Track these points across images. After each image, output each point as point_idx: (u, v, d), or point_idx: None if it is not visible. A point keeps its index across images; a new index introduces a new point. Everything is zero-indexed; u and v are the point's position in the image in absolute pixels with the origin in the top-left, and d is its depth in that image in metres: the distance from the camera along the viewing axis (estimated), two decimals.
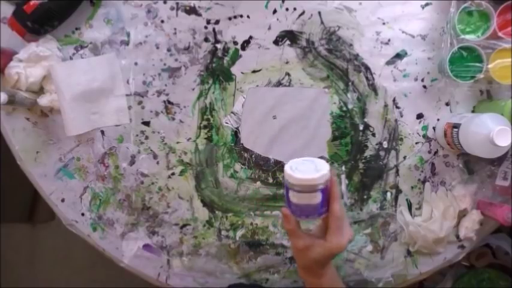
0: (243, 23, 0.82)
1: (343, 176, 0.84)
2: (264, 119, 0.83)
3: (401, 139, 0.84)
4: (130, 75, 0.83)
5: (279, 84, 0.83)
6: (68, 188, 0.85)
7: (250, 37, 0.82)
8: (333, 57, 0.82)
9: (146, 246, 0.86)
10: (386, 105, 0.83)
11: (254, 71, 0.83)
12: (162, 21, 0.82)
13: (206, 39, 0.82)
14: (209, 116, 0.84)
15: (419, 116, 0.83)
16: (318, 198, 0.58)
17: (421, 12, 0.81)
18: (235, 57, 0.82)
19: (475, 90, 0.81)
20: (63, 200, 0.86)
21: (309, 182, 0.56)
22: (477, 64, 0.76)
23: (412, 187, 0.84)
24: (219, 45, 0.82)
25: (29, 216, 1.55)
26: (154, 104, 0.83)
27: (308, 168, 0.58)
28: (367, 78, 0.82)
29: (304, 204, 0.59)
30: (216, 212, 0.85)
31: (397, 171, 0.84)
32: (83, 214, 0.86)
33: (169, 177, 0.85)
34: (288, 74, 0.83)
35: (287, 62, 0.82)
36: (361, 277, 0.86)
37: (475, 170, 0.84)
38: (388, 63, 0.82)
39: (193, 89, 0.83)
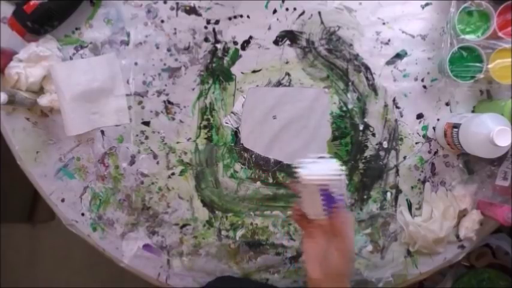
0: (243, 23, 0.82)
1: (343, 176, 0.84)
2: (264, 119, 0.83)
3: (401, 139, 0.84)
4: (130, 75, 0.83)
5: (279, 84, 0.83)
6: (68, 188, 0.85)
7: (250, 37, 0.82)
8: (333, 57, 0.82)
9: (146, 246, 0.86)
10: (386, 105, 0.83)
11: (254, 71, 0.83)
12: (162, 21, 0.82)
13: (206, 39, 0.82)
14: (209, 116, 0.84)
15: (419, 116, 0.83)
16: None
17: (421, 12, 0.81)
18: (235, 57, 0.82)
19: (475, 90, 0.81)
20: (63, 200, 0.86)
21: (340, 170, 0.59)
22: (477, 64, 0.76)
23: (412, 187, 0.84)
24: (219, 45, 0.82)
25: (29, 216, 1.54)
26: (154, 104, 0.83)
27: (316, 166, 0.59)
28: (367, 78, 0.82)
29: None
30: (216, 212, 0.85)
31: (397, 171, 0.84)
32: (83, 214, 0.86)
33: (169, 177, 0.85)
34: (288, 74, 0.83)
35: (287, 62, 0.82)
36: (361, 277, 0.86)
37: (475, 170, 0.84)
38: (388, 63, 0.82)
39: (193, 89, 0.83)
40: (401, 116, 0.83)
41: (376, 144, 0.84)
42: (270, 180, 0.84)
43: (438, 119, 0.83)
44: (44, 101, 0.80)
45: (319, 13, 0.81)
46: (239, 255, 0.87)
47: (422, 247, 0.84)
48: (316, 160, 0.60)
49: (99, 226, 0.86)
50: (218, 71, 0.83)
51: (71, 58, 0.82)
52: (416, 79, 0.82)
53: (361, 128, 0.83)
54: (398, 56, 0.82)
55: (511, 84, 0.76)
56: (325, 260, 0.60)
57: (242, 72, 0.83)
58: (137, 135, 0.84)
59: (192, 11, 0.82)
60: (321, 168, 0.58)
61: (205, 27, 0.82)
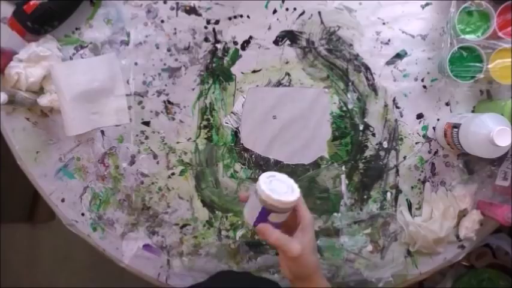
0: (243, 23, 0.82)
1: (343, 176, 0.84)
2: (264, 119, 0.83)
3: (401, 139, 0.84)
4: (130, 75, 0.83)
5: (279, 84, 0.83)
6: (68, 188, 0.85)
7: (250, 37, 0.82)
8: (333, 57, 0.82)
9: (146, 246, 0.86)
10: (386, 105, 0.83)
11: (254, 71, 0.83)
12: (162, 21, 0.82)
13: (206, 39, 0.82)
14: (209, 116, 0.84)
15: (419, 116, 0.83)
16: (286, 216, 0.60)
17: (421, 12, 0.81)
18: (235, 57, 0.82)
19: (475, 90, 0.81)
20: (63, 200, 0.86)
21: (292, 204, 0.58)
22: (477, 64, 0.76)
23: (412, 187, 0.84)
24: (219, 45, 0.82)
25: (29, 216, 1.54)
26: (154, 104, 0.83)
27: (281, 187, 0.58)
28: (367, 78, 0.82)
29: (280, 221, 0.60)
30: (216, 212, 0.85)
31: (397, 171, 0.84)
32: (83, 214, 0.86)
33: (169, 177, 0.85)
34: (288, 74, 0.83)
35: (287, 62, 0.82)
36: (361, 277, 0.86)
37: (475, 170, 0.84)
38: (388, 63, 0.82)
39: (193, 89, 0.83)
40: (401, 116, 0.83)
41: (376, 144, 0.84)
42: None
43: (438, 119, 0.83)
44: (44, 101, 0.80)
45: (319, 13, 0.81)
46: (239, 255, 0.87)
47: (422, 247, 0.84)
48: (284, 181, 0.60)
49: (99, 226, 0.86)
50: (218, 71, 0.83)
51: (71, 58, 0.82)
52: (416, 79, 0.82)
53: (361, 128, 0.83)
54: (398, 56, 0.82)
55: (511, 84, 0.76)
56: (306, 252, 0.60)
57: (242, 72, 0.83)
58: (137, 135, 0.84)
59: (192, 11, 0.82)
60: (278, 191, 0.57)
61: (205, 27, 0.82)
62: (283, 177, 0.60)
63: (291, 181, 0.60)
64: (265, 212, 0.58)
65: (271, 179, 0.59)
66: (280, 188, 0.58)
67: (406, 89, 0.82)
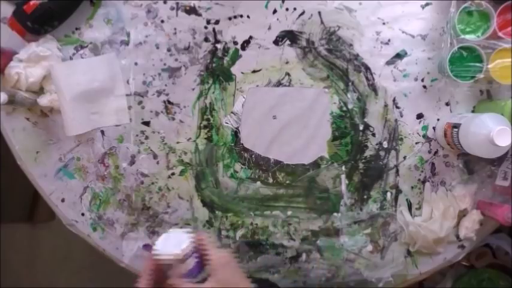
0: (243, 23, 0.82)
1: (343, 176, 0.84)
2: (264, 119, 0.83)
3: (401, 139, 0.84)
4: (130, 75, 0.83)
5: (279, 84, 0.83)
6: (68, 188, 0.85)
7: (250, 37, 0.82)
8: (333, 57, 0.82)
9: (146, 246, 0.86)
10: (386, 105, 0.83)
11: (254, 71, 0.83)
12: (162, 21, 0.82)
13: (206, 39, 0.82)
14: (209, 116, 0.84)
15: (419, 116, 0.83)
16: (191, 262, 0.62)
17: (421, 12, 0.81)
18: (235, 57, 0.82)
19: (475, 90, 0.81)
20: (63, 200, 0.86)
21: (171, 259, 0.61)
22: (477, 64, 0.76)
23: (412, 187, 0.84)
24: (219, 45, 0.82)
25: (29, 216, 1.54)
26: (154, 104, 0.83)
27: (170, 243, 0.62)
28: (367, 78, 0.82)
29: (186, 271, 0.63)
30: (216, 212, 0.85)
31: (397, 171, 0.84)
32: (83, 214, 0.86)
33: (169, 177, 0.85)
34: (288, 74, 0.83)
35: (287, 62, 0.82)
36: (361, 277, 0.86)
37: (475, 170, 0.84)
38: (388, 63, 0.82)
39: (193, 89, 0.83)
40: (401, 116, 0.83)
41: (376, 144, 0.84)
42: (270, 180, 0.84)
43: (438, 119, 0.83)
44: (44, 101, 0.80)
45: (319, 13, 0.81)
46: (239, 255, 0.86)
47: (422, 247, 0.84)
48: (175, 237, 0.63)
49: (99, 226, 0.86)
50: (218, 71, 0.83)
51: (71, 58, 0.82)
52: (416, 79, 0.82)
53: (361, 128, 0.83)
54: (398, 56, 0.82)
55: (511, 84, 0.76)
56: None
57: (242, 72, 0.83)
58: (137, 135, 0.84)
59: (192, 11, 0.82)
60: (167, 247, 0.61)
61: (205, 27, 0.82)
62: (176, 234, 0.64)
63: (183, 236, 0.63)
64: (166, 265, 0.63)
65: (167, 237, 0.64)
66: (170, 244, 0.62)
67: (406, 89, 0.82)
